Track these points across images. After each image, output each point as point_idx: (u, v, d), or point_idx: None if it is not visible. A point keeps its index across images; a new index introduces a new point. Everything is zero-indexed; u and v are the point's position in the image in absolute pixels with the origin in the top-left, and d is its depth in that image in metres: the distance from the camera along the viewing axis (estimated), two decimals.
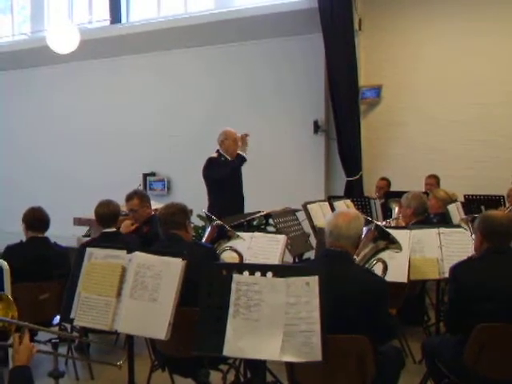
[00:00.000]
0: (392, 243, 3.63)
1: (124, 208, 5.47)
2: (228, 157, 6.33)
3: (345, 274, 2.76)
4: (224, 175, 6.21)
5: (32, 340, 2.48)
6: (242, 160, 6.33)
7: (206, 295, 2.71)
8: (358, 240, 3.10)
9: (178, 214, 3.76)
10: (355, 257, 3.30)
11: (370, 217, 6.37)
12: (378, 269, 3.64)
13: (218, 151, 6.37)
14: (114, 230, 4.63)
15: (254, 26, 8.60)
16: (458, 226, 4.68)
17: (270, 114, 8.72)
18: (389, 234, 3.70)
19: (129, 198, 5.25)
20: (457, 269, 3.32)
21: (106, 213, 4.60)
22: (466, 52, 7.70)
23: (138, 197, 5.27)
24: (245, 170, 6.56)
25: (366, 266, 3.50)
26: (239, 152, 6.32)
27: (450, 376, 3.28)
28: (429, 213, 5.47)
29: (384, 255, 3.64)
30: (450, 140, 7.79)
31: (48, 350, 2.91)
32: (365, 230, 3.43)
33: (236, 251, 4.14)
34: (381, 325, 2.91)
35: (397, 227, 4.95)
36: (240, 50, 8.92)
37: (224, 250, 4.14)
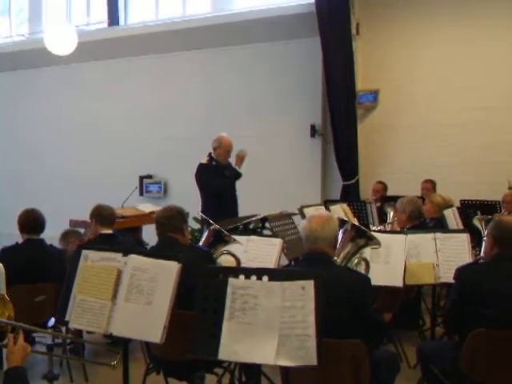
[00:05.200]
0: (370, 240, 3.64)
1: (119, 211, 5.46)
2: (220, 162, 6.32)
3: (328, 275, 2.77)
4: (217, 186, 6.23)
5: (27, 342, 2.46)
6: (238, 176, 6.36)
7: (201, 299, 2.71)
8: (334, 240, 3.12)
9: (176, 217, 3.74)
10: (335, 258, 3.31)
11: (366, 221, 6.39)
12: (361, 270, 3.66)
13: (209, 155, 6.35)
14: (111, 232, 4.64)
15: (251, 29, 8.62)
16: (454, 231, 4.69)
17: (267, 117, 8.72)
18: (365, 231, 3.72)
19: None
20: (463, 270, 3.32)
21: (106, 213, 4.64)
22: (464, 57, 7.73)
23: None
24: (242, 173, 6.55)
25: (348, 265, 3.51)
26: (236, 168, 6.34)
27: (445, 381, 3.27)
28: (424, 218, 5.48)
29: (379, 260, 3.63)
30: (447, 144, 7.80)
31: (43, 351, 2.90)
32: (341, 231, 3.45)
33: (233, 255, 4.14)
34: (369, 321, 2.91)
35: (393, 232, 4.96)
36: (237, 54, 8.93)
37: (221, 254, 4.14)
